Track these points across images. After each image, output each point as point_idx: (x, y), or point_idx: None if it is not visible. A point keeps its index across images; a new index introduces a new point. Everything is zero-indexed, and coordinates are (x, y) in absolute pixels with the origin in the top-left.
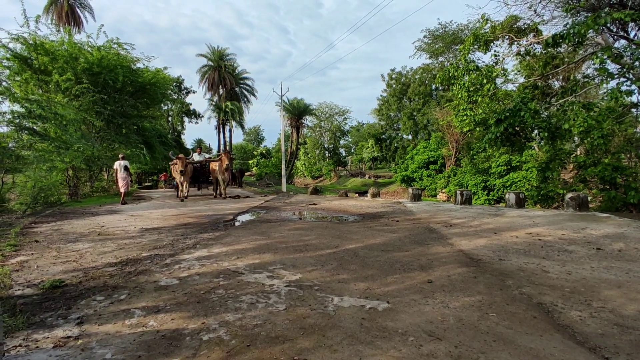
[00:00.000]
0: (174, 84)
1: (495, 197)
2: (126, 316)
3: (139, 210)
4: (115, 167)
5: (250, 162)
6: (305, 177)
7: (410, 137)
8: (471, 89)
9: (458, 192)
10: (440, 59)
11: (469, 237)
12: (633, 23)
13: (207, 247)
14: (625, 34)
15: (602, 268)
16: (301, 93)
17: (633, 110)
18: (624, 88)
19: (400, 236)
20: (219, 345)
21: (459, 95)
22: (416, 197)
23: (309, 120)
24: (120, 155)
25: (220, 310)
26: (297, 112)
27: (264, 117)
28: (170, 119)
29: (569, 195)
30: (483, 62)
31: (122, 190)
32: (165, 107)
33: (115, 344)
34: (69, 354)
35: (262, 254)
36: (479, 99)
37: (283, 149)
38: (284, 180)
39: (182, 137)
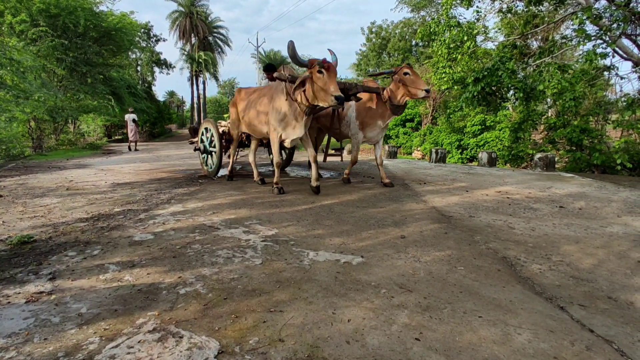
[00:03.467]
0: (142, 30)
1: (468, 156)
2: (100, 271)
3: (110, 165)
4: (125, 119)
5: (225, 115)
6: None
7: None
8: (451, 45)
9: (433, 150)
10: (422, 13)
11: (442, 195)
12: None
13: (182, 202)
14: None
15: (563, 225)
16: (278, 45)
17: (605, 73)
18: (599, 50)
19: (375, 193)
20: (196, 298)
21: (439, 52)
22: (392, 155)
23: None
24: (130, 109)
25: (197, 264)
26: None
27: (239, 69)
28: (139, 68)
29: (538, 155)
30: (465, 18)
31: (131, 139)
32: (134, 56)
33: (90, 298)
34: (43, 309)
35: (238, 209)
36: (459, 57)
37: None
38: None
39: (153, 88)
